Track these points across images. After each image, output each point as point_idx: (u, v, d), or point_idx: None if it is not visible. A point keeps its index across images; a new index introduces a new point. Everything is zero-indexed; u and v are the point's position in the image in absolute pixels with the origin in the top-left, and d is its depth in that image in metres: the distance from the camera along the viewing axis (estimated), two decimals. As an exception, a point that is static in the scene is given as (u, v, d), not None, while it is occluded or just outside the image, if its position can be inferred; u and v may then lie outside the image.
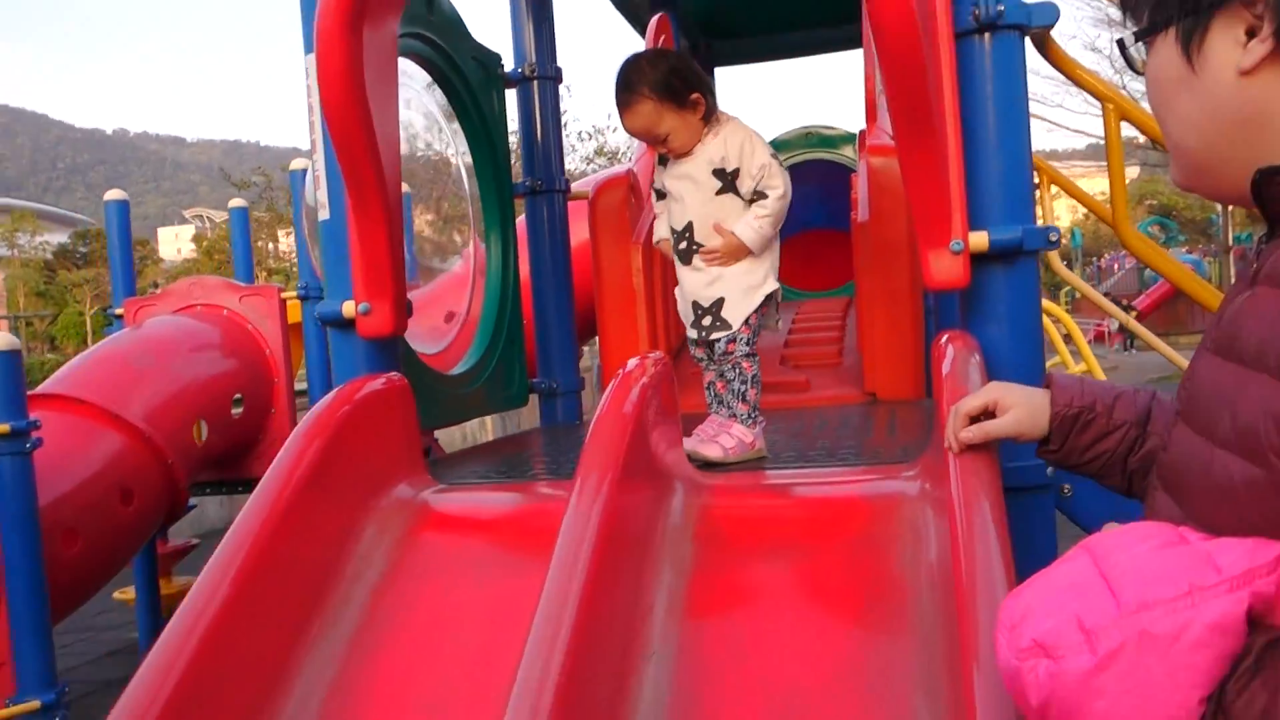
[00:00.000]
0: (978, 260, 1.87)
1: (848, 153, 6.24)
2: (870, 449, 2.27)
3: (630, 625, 1.53)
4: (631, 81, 2.14)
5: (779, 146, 6.42)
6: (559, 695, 1.26)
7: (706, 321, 2.16)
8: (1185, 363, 1.37)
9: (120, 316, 5.80)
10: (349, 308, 2.14)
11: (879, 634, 1.53)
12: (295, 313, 5.99)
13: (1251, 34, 0.90)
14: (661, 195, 2.27)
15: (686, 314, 2.23)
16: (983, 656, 1.19)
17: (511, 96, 3.33)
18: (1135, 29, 1.03)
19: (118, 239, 5.88)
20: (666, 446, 1.87)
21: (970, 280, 1.87)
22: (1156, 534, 0.87)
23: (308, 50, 2.20)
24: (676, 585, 1.66)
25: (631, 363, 1.86)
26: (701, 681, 1.50)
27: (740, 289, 2.15)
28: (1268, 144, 0.92)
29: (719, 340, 2.15)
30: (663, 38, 4.22)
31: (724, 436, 2.11)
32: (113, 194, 5.80)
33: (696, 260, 2.17)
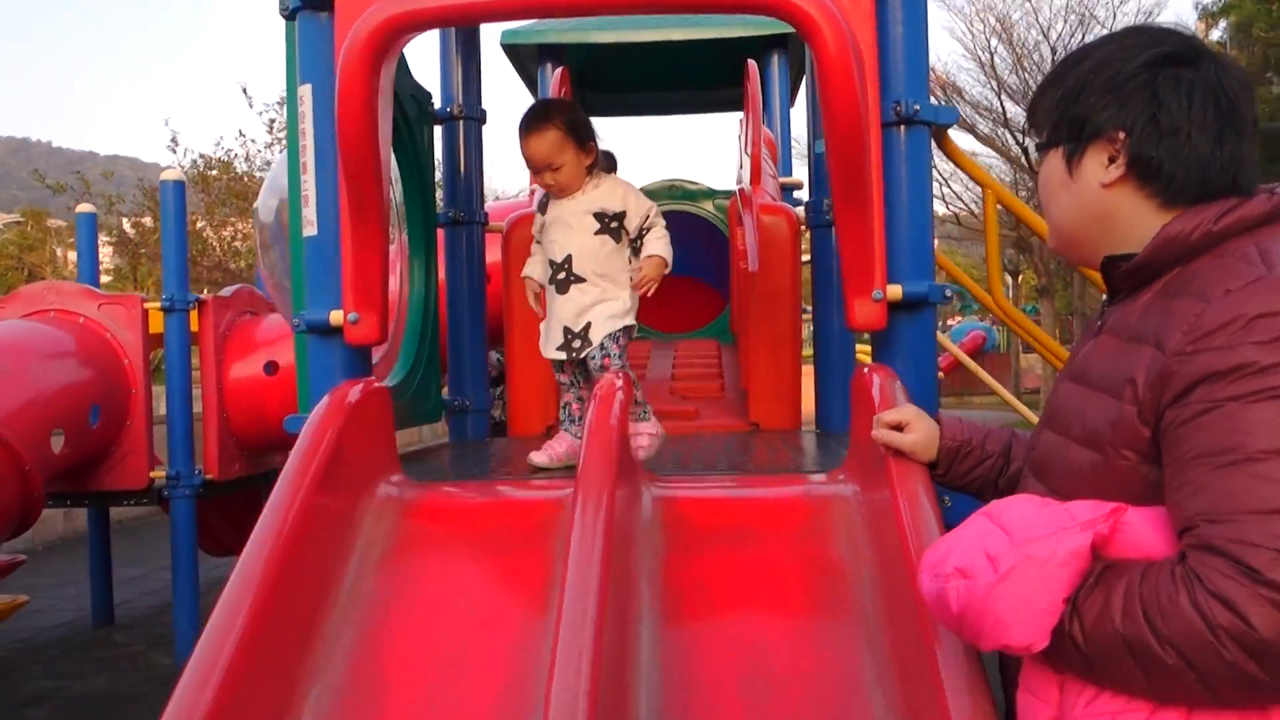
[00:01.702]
0: (891, 308, 2.29)
1: (709, 207, 6.72)
2: (785, 463, 2.65)
3: (626, 605, 1.81)
4: (548, 112, 2.51)
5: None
6: (592, 696, 1.49)
7: (576, 344, 2.51)
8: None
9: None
10: (336, 316, 2.33)
11: (826, 605, 1.88)
12: (156, 323, 5.88)
13: (1111, 160, 1.32)
14: (537, 241, 2.61)
15: (555, 338, 2.55)
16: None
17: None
18: (1037, 143, 1.45)
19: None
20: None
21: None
22: (1031, 500, 1.28)
23: (303, 81, 2.41)
24: (654, 568, 1.96)
25: (608, 378, 2.16)
26: (686, 648, 1.80)
27: (605, 317, 2.52)
28: (1115, 235, 1.34)
29: (592, 357, 2.49)
30: (564, 89, 4.55)
31: (638, 438, 2.44)
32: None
33: (573, 290, 2.51)
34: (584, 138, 2.45)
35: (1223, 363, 1.09)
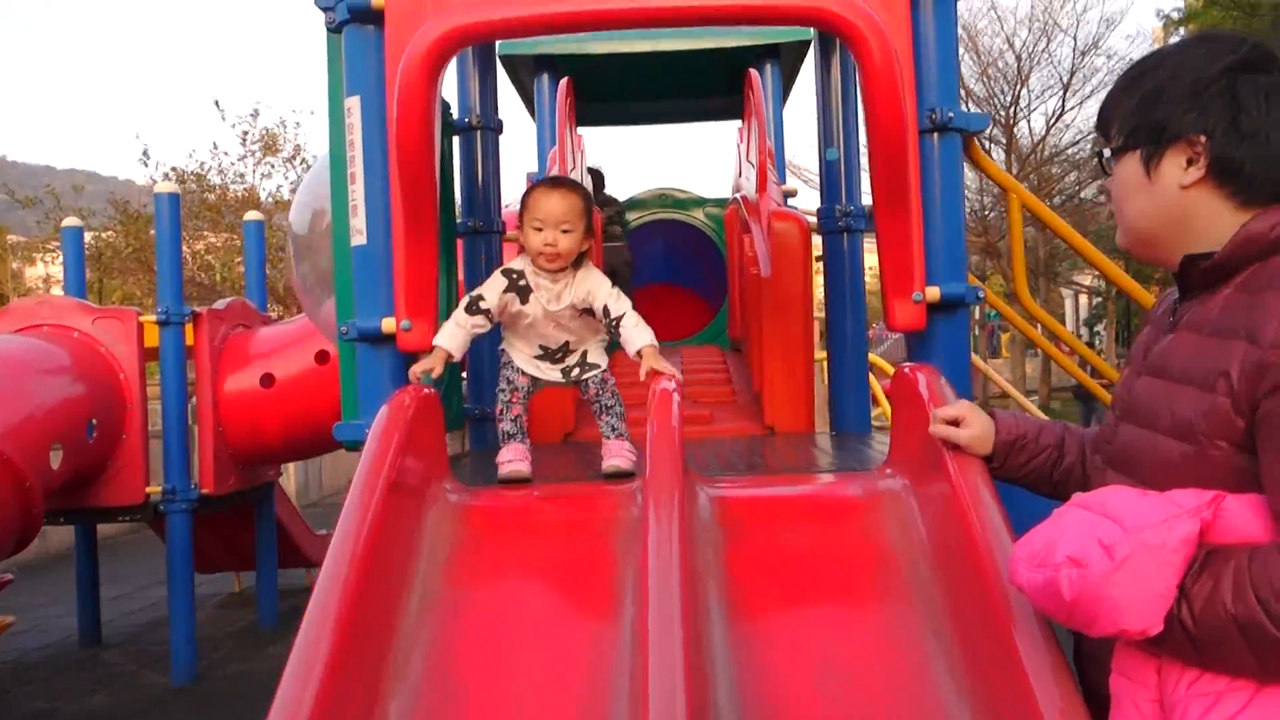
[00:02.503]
0: (929, 310, 2.37)
1: (699, 216, 6.81)
2: (813, 462, 2.71)
3: (698, 598, 1.86)
4: (572, 185, 2.51)
5: (634, 205, 6.94)
6: (689, 689, 1.54)
7: (575, 373, 2.59)
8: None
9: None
10: (389, 324, 2.37)
11: (885, 594, 1.95)
12: (151, 337, 5.85)
13: (1190, 162, 1.40)
14: (476, 310, 2.47)
15: (553, 375, 2.60)
16: (1007, 589, 1.62)
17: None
18: (1112, 147, 1.52)
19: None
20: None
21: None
22: (1131, 491, 1.34)
23: (350, 93, 2.44)
24: (716, 563, 2.01)
25: (664, 383, 2.22)
26: (754, 638, 1.86)
27: (595, 345, 2.62)
28: (1192, 234, 1.41)
29: (591, 377, 2.58)
30: (569, 100, 4.61)
31: (625, 452, 2.50)
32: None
33: (568, 358, 2.59)
34: (590, 225, 2.49)
35: None
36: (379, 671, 1.79)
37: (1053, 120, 22.19)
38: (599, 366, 2.59)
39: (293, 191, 16.99)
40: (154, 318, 5.74)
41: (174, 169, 16.23)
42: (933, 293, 2.35)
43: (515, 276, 2.48)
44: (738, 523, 2.13)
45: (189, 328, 5.88)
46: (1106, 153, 1.50)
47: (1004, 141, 21.20)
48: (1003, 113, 21.02)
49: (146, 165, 22.53)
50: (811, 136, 3.88)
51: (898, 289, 2.34)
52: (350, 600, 1.72)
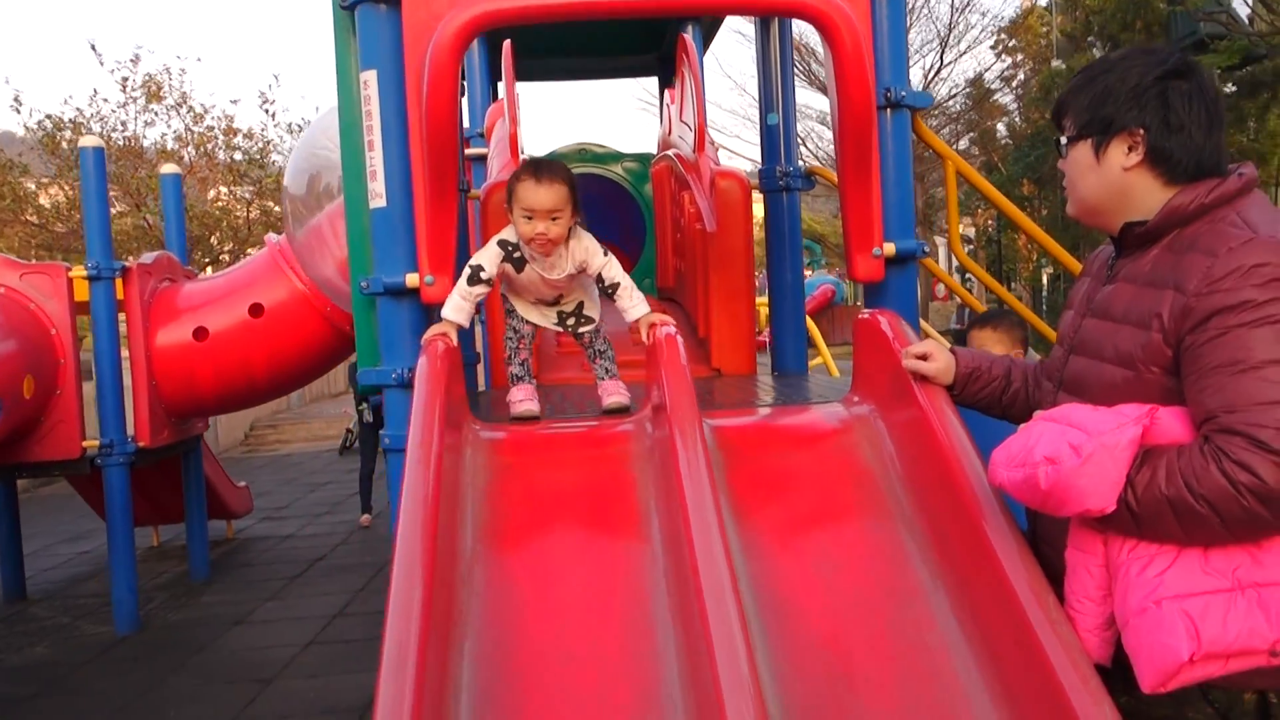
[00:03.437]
0: (886, 263, 2.75)
1: (618, 170, 7.08)
2: (767, 398, 3.08)
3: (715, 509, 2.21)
4: (558, 170, 2.64)
5: (554, 159, 7.17)
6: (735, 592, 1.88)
7: (570, 322, 2.85)
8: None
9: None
10: (412, 279, 2.61)
11: (865, 504, 2.34)
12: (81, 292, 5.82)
13: (1131, 149, 1.79)
14: (478, 280, 2.65)
15: (550, 319, 2.84)
16: (978, 490, 2.02)
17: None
18: (1068, 136, 1.89)
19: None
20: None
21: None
22: (1085, 407, 1.74)
23: (365, 67, 2.65)
24: (723, 481, 2.36)
25: (666, 328, 2.54)
26: (760, 541, 2.22)
27: (591, 297, 2.87)
28: (1130, 206, 1.81)
29: (588, 330, 2.86)
30: (511, 60, 4.80)
31: (620, 389, 2.80)
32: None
33: (562, 301, 2.82)
34: (577, 205, 2.67)
35: (1231, 300, 1.56)
36: (453, 588, 2.08)
37: (931, 75, 23.12)
38: (594, 320, 2.85)
39: (177, 140, 16.41)
40: (83, 272, 5.73)
41: (49, 116, 15.45)
42: (889, 248, 2.74)
43: (511, 249, 2.65)
44: (734, 447, 2.48)
45: (118, 282, 5.88)
46: (1063, 140, 1.87)
47: (884, 94, 21.97)
48: (882, 66, 21.75)
49: (19, 112, 21.29)
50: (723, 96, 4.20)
51: (860, 245, 2.71)
52: (430, 529, 1.98)
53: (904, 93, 2.76)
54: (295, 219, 4.01)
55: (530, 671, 1.93)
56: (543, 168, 2.64)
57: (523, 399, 2.73)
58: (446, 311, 2.63)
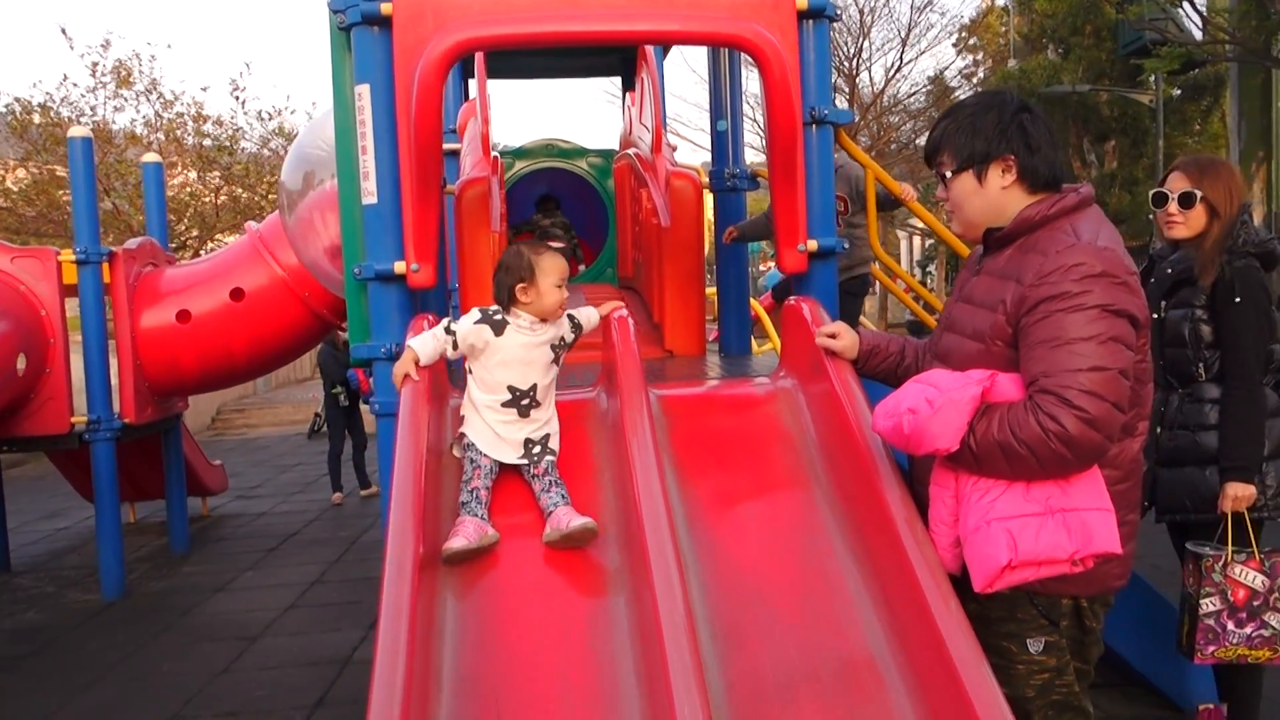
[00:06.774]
0: (810, 257, 3.19)
1: (582, 165, 7.49)
2: (725, 371, 3.52)
3: (660, 467, 2.64)
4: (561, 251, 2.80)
5: (522, 154, 7.56)
6: (673, 528, 2.33)
7: (537, 451, 2.66)
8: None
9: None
10: (400, 266, 3.01)
11: (785, 462, 2.78)
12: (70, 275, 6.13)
13: (1005, 172, 2.24)
14: (450, 333, 2.61)
15: (514, 450, 2.63)
16: (872, 446, 2.46)
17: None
18: (953, 169, 2.31)
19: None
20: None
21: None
22: (945, 371, 2.19)
23: (360, 81, 3.04)
24: (666, 443, 2.79)
25: (619, 311, 2.96)
26: (699, 492, 2.65)
27: (556, 428, 2.74)
28: (1005, 218, 2.26)
29: (549, 462, 2.66)
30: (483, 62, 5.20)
31: (574, 514, 2.50)
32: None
33: (533, 413, 2.66)
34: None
35: (1054, 290, 2.01)
36: (437, 538, 2.49)
37: (892, 72, 23.69)
38: (556, 453, 2.70)
39: (146, 126, 16.55)
40: (72, 256, 6.04)
41: (17, 99, 15.56)
42: (812, 244, 3.18)
43: (491, 313, 2.63)
44: (675, 413, 2.91)
45: (105, 266, 6.19)
46: (947, 174, 2.30)
47: (847, 91, 22.54)
48: (846, 64, 22.31)
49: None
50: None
51: (788, 241, 3.15)
52: (418, 484, 2.39)
53: (827, 111, 3.20)
54: (291, 210, 4.38)
55: (505, 604, 2.35)
56: (543, 246, 2.73)
57: (457, 534, 2.43)
58: (413, 341, 2.65)
